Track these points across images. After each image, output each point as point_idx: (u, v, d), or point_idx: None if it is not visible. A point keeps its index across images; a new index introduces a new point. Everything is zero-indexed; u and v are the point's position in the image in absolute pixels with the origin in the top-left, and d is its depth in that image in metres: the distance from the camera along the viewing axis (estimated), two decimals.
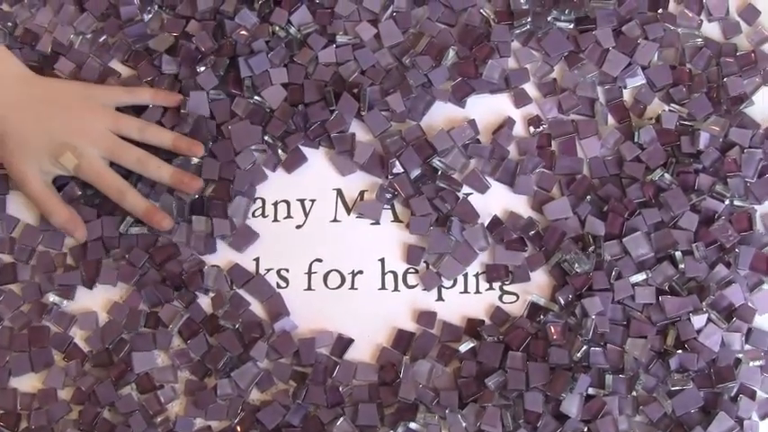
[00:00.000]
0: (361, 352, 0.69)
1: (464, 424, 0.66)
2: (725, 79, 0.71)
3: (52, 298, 0.69)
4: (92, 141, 0.69)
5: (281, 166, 0.72)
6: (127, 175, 0.70)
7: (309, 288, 0.70)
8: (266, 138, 0.71)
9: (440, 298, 0.70)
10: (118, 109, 0.71)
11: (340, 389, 0.67)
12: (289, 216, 0.71)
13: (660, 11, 0.73)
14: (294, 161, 0.72)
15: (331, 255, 0.71)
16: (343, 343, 0.69)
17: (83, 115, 0.69)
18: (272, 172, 0.72)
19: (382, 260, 0.70)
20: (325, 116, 0.71)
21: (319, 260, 0.70)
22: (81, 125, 0.69)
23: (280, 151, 0.72)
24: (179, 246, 0.70)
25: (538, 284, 0.69)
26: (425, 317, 0.69)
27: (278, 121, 0.71)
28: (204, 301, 0.69)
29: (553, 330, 0.66)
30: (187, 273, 0.69)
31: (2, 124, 0.68)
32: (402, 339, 0.68)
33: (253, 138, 0.71)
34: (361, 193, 0.71)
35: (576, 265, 0.67)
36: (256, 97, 0.72)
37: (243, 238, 0.70)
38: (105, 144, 0.69)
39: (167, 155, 0.71)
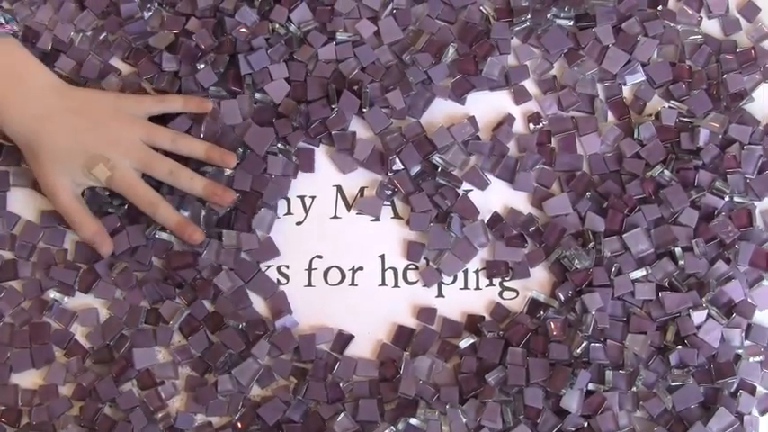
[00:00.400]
0: (362, 348, 0.69)
1: (464, 420, 0.66)
2: (724, 76, 0.71)
3: (53, 294, 0.69)
4: (124, 152, 0.68)
5: (300, 171, 0.72)
6: (158, 186, 0.70)
7: (310, 284, 0.70)
8: (279, 145, 0.71)
9: (440, 294, 0.70)
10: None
11: (340, 385, 0.67)
12: (289, 212, 0.71)
13: (660, 8, 0.73)
14: (308, 161, 0.72)
15: (331, 251, 0.71)
16: (344, 339, 0.69)
17: (115, 126, 0.69)
18: (294, 179, 0.72)
19: (382, 256, 0.70)
20: (326, 114, 0.71)
21: (319, 256, 0.70)
22: (113, 136, 0.69)
23: (294, 157, 0.72)
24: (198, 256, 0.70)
25: (538, 280, 0.69)
26: (426, 313, 0.69)
27: (285, 120, 0.71)
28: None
29: (553, 326, 0.67)
30: (203, 279, 0.69)
31: (34, 137, 0.68)
32: (402, 335, 0.69)
33: (268, 139, 0.71)
34: (361, 190, 0.72)
35: (576, 261, 0.67)
36: (258, 95, 0.72)
37: (264, 252, 0.70)
38: (137, 155, 0.69)
39: (197, 165, 0.71)
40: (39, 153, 0.68)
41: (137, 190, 0.69)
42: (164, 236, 0.70)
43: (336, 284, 0.70)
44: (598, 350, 0.66)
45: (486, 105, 0.72)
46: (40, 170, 0.69)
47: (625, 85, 0.72)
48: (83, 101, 0.70)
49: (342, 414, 0.66)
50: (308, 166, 0.72)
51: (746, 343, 0.67)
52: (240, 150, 0.71)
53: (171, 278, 0.69)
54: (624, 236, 0.67)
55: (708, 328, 0.66)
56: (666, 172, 0.69)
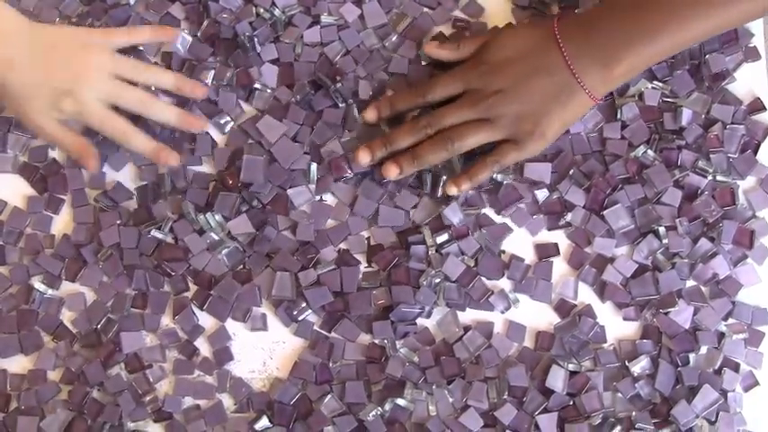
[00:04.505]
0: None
1: (451, 399, 0.66)
2: (707, 56, 0.71)
3: (37, 285, 0.69)
4: (92, 86, 0.68)
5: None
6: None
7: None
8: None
9: None
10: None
11: (330, 365, 0.67)
12: None
13: None
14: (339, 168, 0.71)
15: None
16: (333, 320, 0.69)
17: (82, 60, 0.68)
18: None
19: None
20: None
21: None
22: (81, 70, 0.68)
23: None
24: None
25: None
26: None
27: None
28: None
29: None
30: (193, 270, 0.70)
31: (4, 80, 0.67)
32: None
33: (296, 154, 0.70)
34: None
35: None
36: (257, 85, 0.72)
37: None
38: (106, 88, 0.68)
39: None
40: (12, 94, 0.68)
41: (108, 122, 0.68)
42: (159, 235, 0.69)
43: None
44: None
45: None
46: (19, 111, 0.68)
47: None
48: (50, 36, 0.69)
49: (329, 396, 0.66)
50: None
51: (730, 321, 0.67)
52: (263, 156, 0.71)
53: (161, 269, 0.69)
54: (605, 212, 0.68)
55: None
56: (650, 152, 0.69)
